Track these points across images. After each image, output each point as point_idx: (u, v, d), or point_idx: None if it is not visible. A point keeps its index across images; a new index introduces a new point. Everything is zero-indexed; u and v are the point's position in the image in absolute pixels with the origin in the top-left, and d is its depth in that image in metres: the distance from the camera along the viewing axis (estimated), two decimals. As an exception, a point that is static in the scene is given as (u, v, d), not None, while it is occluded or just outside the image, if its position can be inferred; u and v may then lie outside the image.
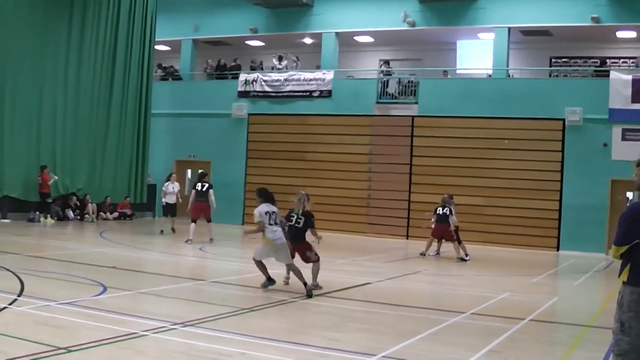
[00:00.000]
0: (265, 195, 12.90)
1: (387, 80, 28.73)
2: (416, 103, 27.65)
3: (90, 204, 27.25)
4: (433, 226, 20.75)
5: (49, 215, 25.32)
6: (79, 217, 26.84)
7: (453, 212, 20.55)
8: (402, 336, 9.29)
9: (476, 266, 19.16)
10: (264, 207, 12.64)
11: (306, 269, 12.91)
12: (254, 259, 12.81)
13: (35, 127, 25.90)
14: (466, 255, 20.18)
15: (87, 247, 19.51)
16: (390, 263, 19.16)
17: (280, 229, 12.71)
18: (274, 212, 12.67)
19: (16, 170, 25.13)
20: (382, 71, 29.88)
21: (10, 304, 9.94)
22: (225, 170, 29.70)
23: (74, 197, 27.15)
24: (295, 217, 13.31)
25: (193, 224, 21.02)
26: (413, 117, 27.57)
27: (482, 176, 26.14)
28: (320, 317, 10.66)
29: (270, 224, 12.52)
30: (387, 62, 30.15)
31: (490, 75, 27.90)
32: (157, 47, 33.03)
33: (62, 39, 26.89)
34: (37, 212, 25.18)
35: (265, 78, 30.34)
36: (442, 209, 20.52)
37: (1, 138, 24.63)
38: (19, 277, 12.22)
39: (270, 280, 12.79)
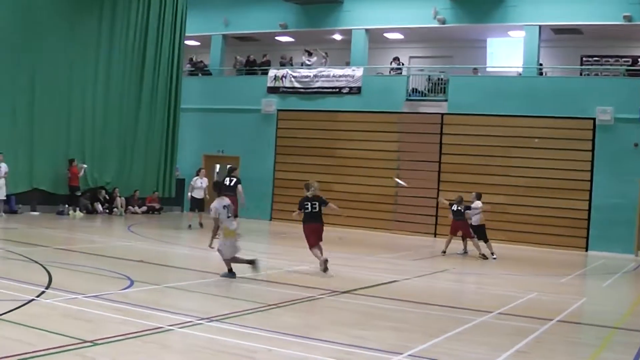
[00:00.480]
0: (220, 189, 13.58)
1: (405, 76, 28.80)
2: (446, 100, 27.55)
3: (118, 198, 27.44)
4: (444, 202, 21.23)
5: (78, 209, 25.52)
6: (107, 211, 27.03)
7: (477, 208, 20.48)
8: (429, 335, 9.23)
9: (504, 265, 19.03)
10: (220, 202, 13.12)
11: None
12: (225, 259, 13.12)
13: (64, 120, 26.11)
14: (492, 254, 20.07)
15: (115, 240, 19.62)
16: (418, 261, 19.10)
17: (233, 218, 13.42)
18: (229, 204, 13.26)
19: (46, 163, 25.37)
20: (392, 68, 29.85)
21: (38, 296, 10.01)
22: (253, 166, 29.74)
23: (103, 191, 27.35)
24: (310, 204, 14.56)
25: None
26: (442, 114, 27.46)
27: (512, 175, 25.98)
28: (347, 314, 10.62)
29: (228, 217, 13.08)
30: (396, 59, 30.07)
31: (520, 74, 27.69)
32: (187, 42, 33.15)
33: (93, 34, 27.08)
34: (66, 205, 25.40)
35: (294, 74, 30.35)
36: (457, 206, 20.51)
37: (31, 131, 24.85)
38: (47, 270, 12.32)
39: (231, 272, 13.13)
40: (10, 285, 10.71)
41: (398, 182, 24.73)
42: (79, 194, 25.97)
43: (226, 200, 13.28)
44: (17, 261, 13.80)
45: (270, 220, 29.14)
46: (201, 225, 23.50)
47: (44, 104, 25.20)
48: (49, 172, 25.55)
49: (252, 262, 13.21)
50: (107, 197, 27.39)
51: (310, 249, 14.85)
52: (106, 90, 27.73)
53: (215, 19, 32.55)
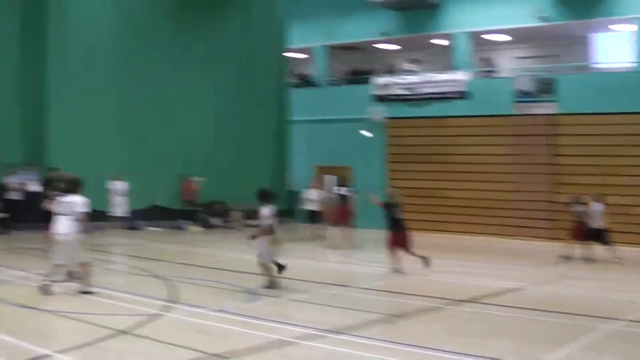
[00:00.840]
0: (268, 197, 13.45)
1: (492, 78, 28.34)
2: (555, 101, 26.82)
3: (234, 212, 27.81)
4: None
5: (196, 223, 26.02)
6: (224, 225, 27.42)
7: (596, 210, 19.82)
8: (559, 344, 8.95)
9: (632, 269, 18.24)
10: (270, 210, 13.11)
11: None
12: (262, 263, 12.97)
13: (178, 137, 26.70)
14: (616, 258, 19.34)
15: (233, 254, 19.83)
16: (540, 267, 18.56)
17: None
18: (276, 212, 13.23)
19: (163, 180, 26.04)
20: (482, 71, 29.32)
21: (163, 311, 10.23)
22: (365, 175, 29.60)
23: (219, 205, 27.77)
24: (397, 210, 15.89)
25: (335, 229, 21.08)
26: (553, 115, 26.74)
27: (631, 174, 25.03)
28: (472, 324, 10.42)
29: (277, 224, 13.16)
30: (486, 60, 29.55)
31: (633, 69, 26.68)
32: (292, 54, 33.46)
33: (199, 51, 27.67)
34: (184, 220, 25.94)
35: (399, 81, 30.16)
36: (579, 206, 19.87)
37: (147, 149, 25.58)
38: (170, 284, 12.59)
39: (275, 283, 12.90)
40: (136, 300, 11.04)
41: (364, 134, 24.61)
42: (196, 209, 26.51)
43: (274, 208, 13.30)
44: (142, 276, 14.22)
45: (384, 229, 28.93)
46: (317, 237, 23.40)
47: (157, 122, 25.96)
48: (166, 188, 26.25)
49: (273, 277, 12.99)
50: (224, 211, 27.81)
51: (390, 250, 15.90)
52: (216, 105, 28.23)
53: (318, 30, 32.69)
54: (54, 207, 11.98)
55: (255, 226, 13.37)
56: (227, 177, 28.48)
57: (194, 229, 25.59)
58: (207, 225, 26.54)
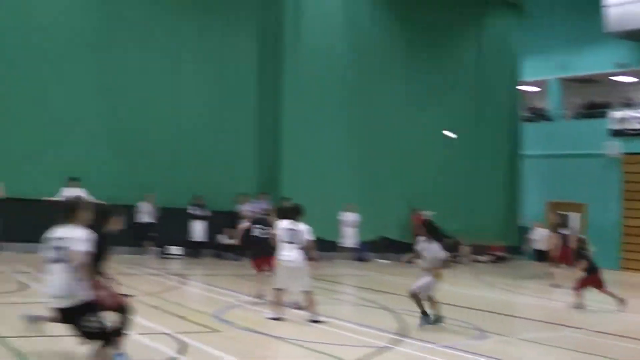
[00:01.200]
0: (436, 230, 12.81)
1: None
2: None
3: (463, 246, 27.62)
4: None
5: (425, 257, 26.14)
6: (452, 259, 27.21)
7: None
8: None
9: None
10: (439, 244, 12.54)
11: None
12: (414, 294, 12.27)
13: (408, 169, 27.01)
14: None
15: (462, 289, 19.74)
16: None
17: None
18: (444, 247, 12.73)
19: (393, 212, 26.51)
20: None
21: (392, 344, 10.42)
22: (599, 213, 28.52)
23: (448, 239, 27.57)
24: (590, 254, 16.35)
25: (559, 269, 20.76)
26: None
27: None
28: None
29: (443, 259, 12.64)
30: None
31: None
32: (525, 87, 32.98)
33: (432, 82, 28.03)
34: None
35: (637, 115, 28.83)
36: None
37: (377, 181, 26.17)
38: (399, 317, 12.79)
39: (426, 315, 12.20)
40: (365, 332, 11.31)
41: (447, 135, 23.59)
42: (424, 241, 26.61)
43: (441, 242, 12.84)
44: (371, 308, 14.56)
45: (619, 269, 27.61)
46: (546, 275, 22.77)
47: (387, 154, 26.56)
48: (395, 220, 26.67)
49: (425, 314, 12.25)
50: (453, 246, 27.58)
51: (576, 290, 16.04)
52: (439, 137, 28.12)
53: (552, 62, 31.98)
54: (277, 234, 12.11)
55: (417, 257, 13.01)
56: (456, 211, 28.37)
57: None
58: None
